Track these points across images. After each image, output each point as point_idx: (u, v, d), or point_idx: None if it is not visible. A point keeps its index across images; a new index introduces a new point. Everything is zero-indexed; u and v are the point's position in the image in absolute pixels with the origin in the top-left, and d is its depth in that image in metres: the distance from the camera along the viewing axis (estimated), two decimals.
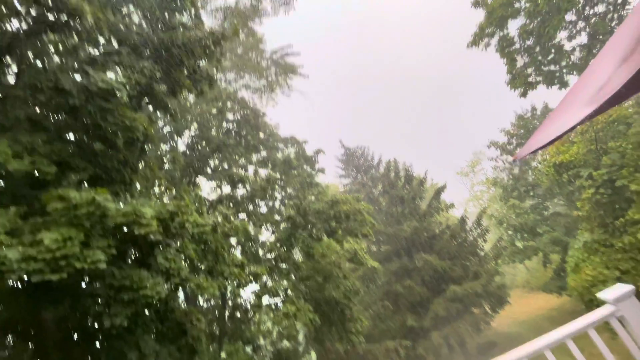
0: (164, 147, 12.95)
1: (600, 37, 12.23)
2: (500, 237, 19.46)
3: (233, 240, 11.36)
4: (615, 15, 12.19)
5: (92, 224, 3.80)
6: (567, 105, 1.81)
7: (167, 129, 13.20)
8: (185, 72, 6.66)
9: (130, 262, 4.91)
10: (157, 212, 4.79)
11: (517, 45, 13.82)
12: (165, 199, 9.46)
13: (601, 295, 2.02)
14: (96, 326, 5.04)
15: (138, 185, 6.91)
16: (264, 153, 14.48)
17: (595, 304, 5.49)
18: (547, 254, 15.70)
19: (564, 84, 13.42)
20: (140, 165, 6.51)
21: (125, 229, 4.19)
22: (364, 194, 19.81)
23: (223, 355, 10.99)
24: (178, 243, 5.59)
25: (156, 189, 10.49)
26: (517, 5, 12.96)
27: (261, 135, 14.30)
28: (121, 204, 4.25)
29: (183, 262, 5.42)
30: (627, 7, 11.81)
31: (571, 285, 7.21)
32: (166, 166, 12.35)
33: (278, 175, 13.40)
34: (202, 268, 6.68)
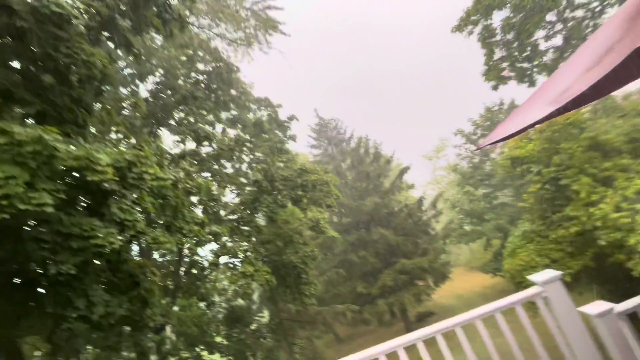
0: (124, 91, 11.92)
1: (574, 42, 12.76)
2: (452, 219, 20.93)
3: (194, 199, 11.10)
4: (591, 23, 12.72)
5: (39, 165, 3.48)
6: (532, 103, 1.91)
7: (128, 71, 12.09)
8: (155, 9, 6.01)
9: (81, 209, 4.63)
10: (113, 159, 4.49)
11: (498, 38, 14.06)
12: (123, 148, 8.87)
13: (532, 277, 2.29)
14: (41, 272, 4.81)
15: (93, 129, 6.38)
16: (234, 112, 13.88)
17: (524, 285, 6.19)
18: (490, 238, 17.23)
19: (532, 83, 14.04)
20: (96, 107, 5.97)
21: (76, 174, 3.89)
22: (332, 166, 20.04)
23: (176, 308, 11.12)
24: (135, 195, 5.34)
25: (113, 136, 9.78)
26: None
27: (233, 92, 13.61)
28: (72, 147, 3.91)
29: (139, 215, 5.23)
30: (603, 15, 12.34)
31: (506, 268, 8.05)
32: (125, 112, 11.46)
33: (248, 137, 13.01)
34: (160, 222, 6.50)
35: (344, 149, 21.85)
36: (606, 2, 11.98)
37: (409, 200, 26.10)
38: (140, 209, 5.21)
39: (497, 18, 13.83)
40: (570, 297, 2.23)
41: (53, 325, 4.91)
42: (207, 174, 13.00)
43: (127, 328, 6.26)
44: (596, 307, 2.12)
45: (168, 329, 11.31)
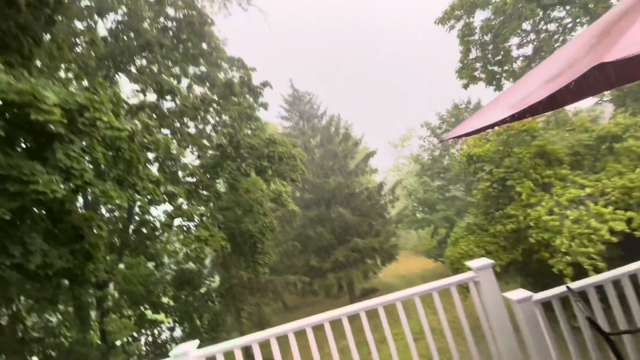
0: (80, 25, 10.61)
1: (543, 53, 13.51)
2: (406, 206, 22.07)
3: (151, 155, 10.49)
4: (561, 38, 13.50)
5: None
6: (494, 106, 2.04)
7: (86, 3, 10.72)
8: None
9: (21, 151, 4.17)
10: (62, 100, 4.06)
11: (476, 37, 14.46)
12: (73, 89, 8.00)
13: (469, 263, 2.54)
14: None
15: (39, 63, 5.67)
16: (203, 68, 13.00)
17: (460, 271, 6.80)
18: (438, 227, 18.52)
19: (499, 87, 14.77)
20: (46, 39, 5.28)
21: (17, 111, 3.46)
22: (301, 141, 19.87)
23: (122, 266, 10.73)
24: (84, 142, 4.91)
25: (63, 74, 8.78)
26: None
27: (204, 46, 12.69)
28: (14, 79, 3.45)
29: (88, 165, 4.84)
30: (573, 33, 13.13)
31: (447, 254, 8.77)
32: (79, 49, 10.27)
33: (215, 98, 12.36)
34: (111, 176, 6.09)
35: (315, 125, 21.66)
36: (577, 20, 12.73)
37: (370, 183, 26.93)
38: (89, 159, 4.82)
39: (479, 18, 14.17)
40: (497, 283, 2.52)
41: None
42: (167, 131, 12.27)
43: (66, 281, 5.94)
44: (518, 294, 2.42)
45: (111, 285, 10.94)
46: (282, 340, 2.65)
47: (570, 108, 12.14)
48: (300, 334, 2.58)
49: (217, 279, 15.11)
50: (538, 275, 9.27)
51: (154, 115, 11.62)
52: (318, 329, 2.64)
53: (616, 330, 2.28)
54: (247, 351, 2.74)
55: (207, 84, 12.80)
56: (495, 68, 14.61)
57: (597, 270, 5.99)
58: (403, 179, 32.15)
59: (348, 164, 21.16)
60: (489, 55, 14.31)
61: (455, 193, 21.63)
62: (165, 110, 12.00)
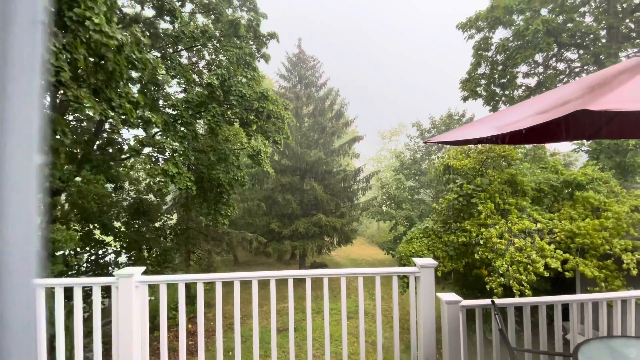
0: None
1: (544, 89, 13.87)
2: (376, 197, 22.64)
3: (135, 75, 9.86)
4: (565, 79, 13.87)
5: None
6: (482, 123, 2.12)
7: None
8: None
9: None
10: None
11: (490, 54, 14.50)
12: None
13: (415, 259, 2.73)
14: None
15: None
16: None
17: (404, 266, 7.18)
18: (398, 224, 19.28)
19: (495, 109, 15.10)
20: None
21: None
22: (293, 106, 19.45)
23: (78, 179, 10.31)
24: (66, 40, 4.52)
25: None
26: (514, 17, 13.24)
27: None
28: None
29: (66, 64, 4.49)
30: (577, 77, 13.51)
31: (399, 249, 9.23)
32: None
33: (217, 34, 11.66)
34: (87, 82, 5.70)
35: (312, 93, 21.18)
36: (585, 67, 13.08)
37: (349, 166, 27.21)
38: (68, 58, 4.46)
39: (498, 35, 14.16)
40: (434, 284, 2.74)
41: None
42: (157, 54, 11.51)
43: None
44: (449, 296, 2.65)
45: (63, 196, 10.54)
46: (226, 289, 2.75)
47: (551, 147, 12.72)
48: (245, 287, 2.68)
49: (175, 217, 14.98)
50: (472, 289, 10.07)
51: (147, 33, 10.82)
52: (263, 285, 2.76)
53: (521, 347, 2.58)
54: (188, 291, 2.82)
55: (212, 16, 11.99)
56: (497, 90, 14.86)
57: (523, 296, 6.63)
58: (380, 171, 32.75)
59: (333, 141, 21.12)
60: (496, 75, 14.48)
61: (423, 197, 22.42)
62: (161, 31, 11.20)
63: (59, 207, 10.45)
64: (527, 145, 12.60)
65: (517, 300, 2.77)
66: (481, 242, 7.77)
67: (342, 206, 20.18)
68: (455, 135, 2.23)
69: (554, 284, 9.01)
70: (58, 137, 5.17)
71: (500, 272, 7.00)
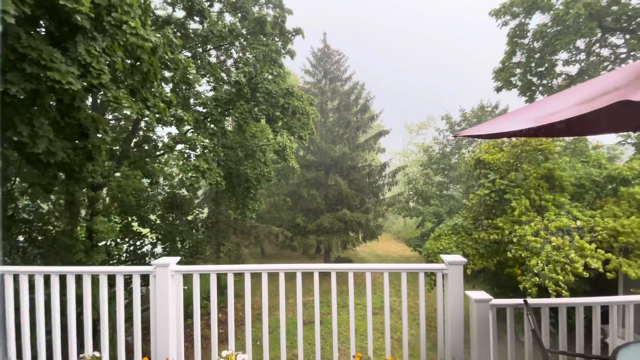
0: None
1: (586, 77, 12.91)
2: (402, 192, 22.26)
3: (168, 74, 10.30)
4: (610, 66, 12.82)
5: None
6: (518, 114, 2.02)
7: None
8: None
9: (43, 35, 4.09)
10: None
11: (526, 41, 13.68)
12: None
13: (443, 256, 2.68)
14: None
15: None
16: None
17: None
18: (425, 220, 18.85)
19: (531, 100, 14.27)
20: None
21: None
22: (318, 101, 19.48)
23: (117, 174, 10.99)
24: (105, 43, 4.81)
25: None
26: (552, 1, 12.38)
27: None
28: None
29: (105, 67, 4.79)
30: (623, 64, 12.46)
31: (426, 246, 9.05)
32: None
33: (244, 32, 11.88)
34: (125, 84, 6.05)
35: (337, 88, 21.08)
36: (632, 53, 12.02)
37: (374, 161, 26.89)
38: (108, 61, 4.76)
39: (535, 21, 13.31)
40: (463, 282, 2.68)
41: None
42: (188, 54, 11.94)
43: (63, 175, 6.13)
44: (478, 294, 2.58)
45: (105, 190, 11.29)
46: (254, 280, 2.85)
47: (593, 139, 11.87)
48: (272, 279, 2.77)
49: (206, 211, 15.59)
50: (504, 288, 9.68)
51: (178, 34, 11.23)
52: (289, 279, 2.83)
53: (556, 349, 2.47)
54: (218, 282, 2.94)
55: (239, 14, 12.22)
56: (534, 79, 14.00)
57: (559, 297, 6.29)
58: (407, 166, 32.09)
59: (358, 136, 20.94)
60: (533, 64, 13.63)
61: (452, 193, 21.74)
62: (191, 31, 11.59)
63: (101, 200, 11.21)
64: (566, 138, 11.83)
65: (552, 300, 2.64)
66: (514, 239, 7.44)
67: (367, 201, 20.04)
68: (488, 128, 2.15)
69: (593, 285, 8.46)
70: (99, 135, 5.54)
71: (535, 271, 6.68)
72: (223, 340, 3.66)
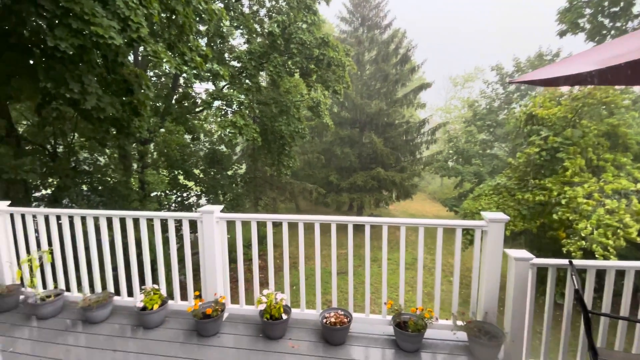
0: None
1: None
2: (441, 151, 21.29)
3: (202, 28, 10.17)
4: None
5: None
6: (578, 58, 1.76)
7: None
8: None
9: None
10: None
11: None
12: None
13: (484, 213, 2.59)
14: (34, 45, 4.62)
15: None
16: None
17: None
18: (464, 180, 18.12)
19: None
20: None
21: None
22: (355, 52, 18.39)
23: (162, 130, 11.58)
24: None
25: None
26: None
27: None
28: None
29: (143, 20, 4.81)
30: None
31: (464, 206, 8.80)
32: None
33: None
34: (163, 38, 6.09)
35: (375, 37, 19.63)
36: None
37: (413, 117, 25.64)
38: (145, 14, 4.76)
39: None
40: (502, 240, 2.59)
41: (42, 100, 5.04)
42: (220, 4, 11.59)
43: (114, 130, 6.57)
44: (519, 253, 2.50)
45: (152, 146, 12.03)
46: (291, 231, 2.98)
47: None
48: (307, 232, 2.87)
49: (244, 167, 16.21)
50: (545, 251, 9.33)
51: None
52: (323, 232, 2.92)
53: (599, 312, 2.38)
54: (258, 233, 3.10)
55: None
56: (606, 21, 11.99)
57: None
58: (449, 123, 30.26)
59: (397, 90, 19.79)
60: (606, 2, 11.59)
61: (497, 151, 20.44)
62: None
63: (150, 155, 12.01)
64: (637, 89, 10.31)
65: (600, 262, 2.49)
66: (563, 202, 6.98)
67: (403, 160, 19.51)
68: (546, 73, 1.90)
69: None
70: (143, 90, 5.75)
71: (583, 235, 6.30)
72: (263, 284, 3.97)
